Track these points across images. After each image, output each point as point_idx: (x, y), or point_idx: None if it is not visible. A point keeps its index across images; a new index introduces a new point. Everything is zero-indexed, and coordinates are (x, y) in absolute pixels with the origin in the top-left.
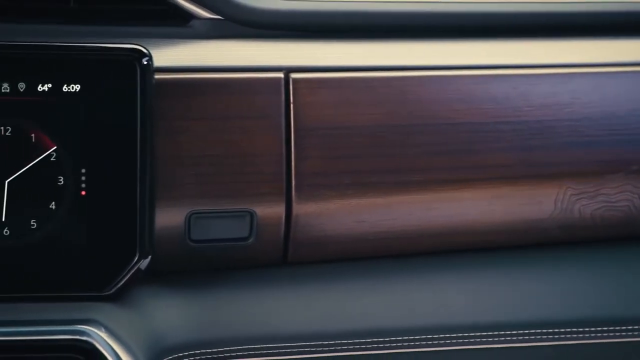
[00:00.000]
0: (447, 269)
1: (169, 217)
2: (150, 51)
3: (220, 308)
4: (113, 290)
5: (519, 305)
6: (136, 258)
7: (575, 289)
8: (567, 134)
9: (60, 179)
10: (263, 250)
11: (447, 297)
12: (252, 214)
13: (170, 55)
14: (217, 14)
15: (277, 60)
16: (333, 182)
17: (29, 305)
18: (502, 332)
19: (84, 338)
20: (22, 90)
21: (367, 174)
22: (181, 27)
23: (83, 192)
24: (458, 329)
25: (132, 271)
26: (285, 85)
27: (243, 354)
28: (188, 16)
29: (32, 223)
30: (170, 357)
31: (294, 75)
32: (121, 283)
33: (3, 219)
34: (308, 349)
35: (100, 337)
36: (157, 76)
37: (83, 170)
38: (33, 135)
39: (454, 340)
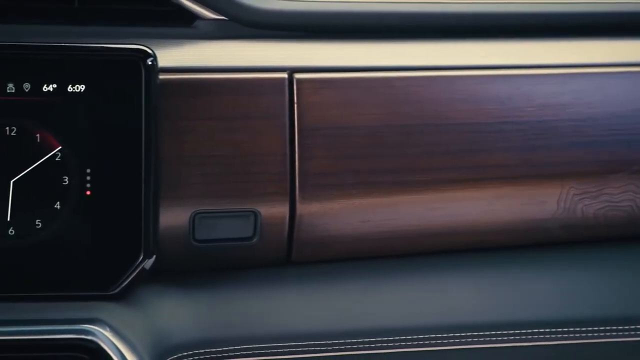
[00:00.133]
0: (450, 268)
1: (173, 217)
2: (155, 51)
3: (225, 307)
4: (118, 289)
5: (521, 305)
6: (141, 258)
7: (577, 288)
8: (569, 134)
9: (65, 179)
10: (267, 250)
11: (450, 297)
12: (256, 214)
13: (175, 56)
14: (221, 15)
15: (281, 60)
16: (337, 181)
17: (33, 304)
18: (505, 332)
19: (89, 337)
20: (27, 90)
21: (371, 174)
22: (185, 27)
23: (88, 192)
24: (461, 329)
25: (137, 271)
26: (289, 85)
27: (247, 353)
28: (192, 17)
29: (37, 223)
30: (175, 356)
31: (297, 76)
32: (126, 282)
33: (8, 219)
34: (312, 349)
35: (105, 337)
36: (161, 76)
37: (88, 170)
38: (38, 135)
39: (457, 340)
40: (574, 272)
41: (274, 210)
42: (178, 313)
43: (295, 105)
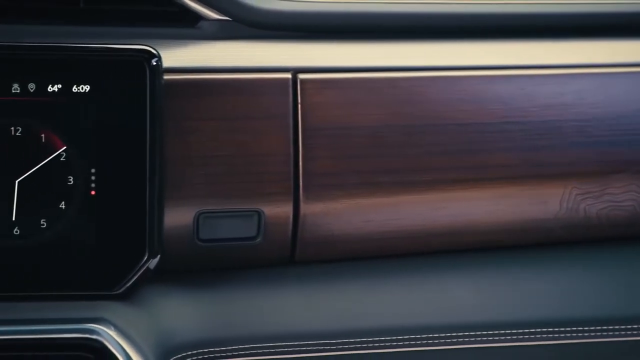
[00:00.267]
0: (453, 268)
1: (177, 217)
2: (159, 52)
3: (229, 307)
4: (122, 289)
5: (521, 304)
6: (145, 257)
7: (578, 288)
8: (572, 134)
9: (70, 178)
10: (271, 250)
11: (453, 297)
12: (260, 214)
13: (179, 56)
14: (225, 15)
15: (285, 60)
16: (340, 181)
17: (38, 304)
18: (508, 331)
19: (94, 337)
20: (32, 90)
21: (374, 174)
22: (190, 28)
23: (93, 192)
24: (462, 328)
25: (142, 270)
26: (293, 85)
27: (251, 352)
28: (196, 17)
29: (42, 223)
30: (179, 356)
31: (301, 76)
32: (130, 282)
33: (13, 219)
34: (316, 348)
35: (109, 336)
36: (166, 77)
37: (93, 170)
38: (43, 135)
39: (458, 340)
40: (574, 272)
41: (278, 210)
42: (182, 313)
43: (299, 106)
